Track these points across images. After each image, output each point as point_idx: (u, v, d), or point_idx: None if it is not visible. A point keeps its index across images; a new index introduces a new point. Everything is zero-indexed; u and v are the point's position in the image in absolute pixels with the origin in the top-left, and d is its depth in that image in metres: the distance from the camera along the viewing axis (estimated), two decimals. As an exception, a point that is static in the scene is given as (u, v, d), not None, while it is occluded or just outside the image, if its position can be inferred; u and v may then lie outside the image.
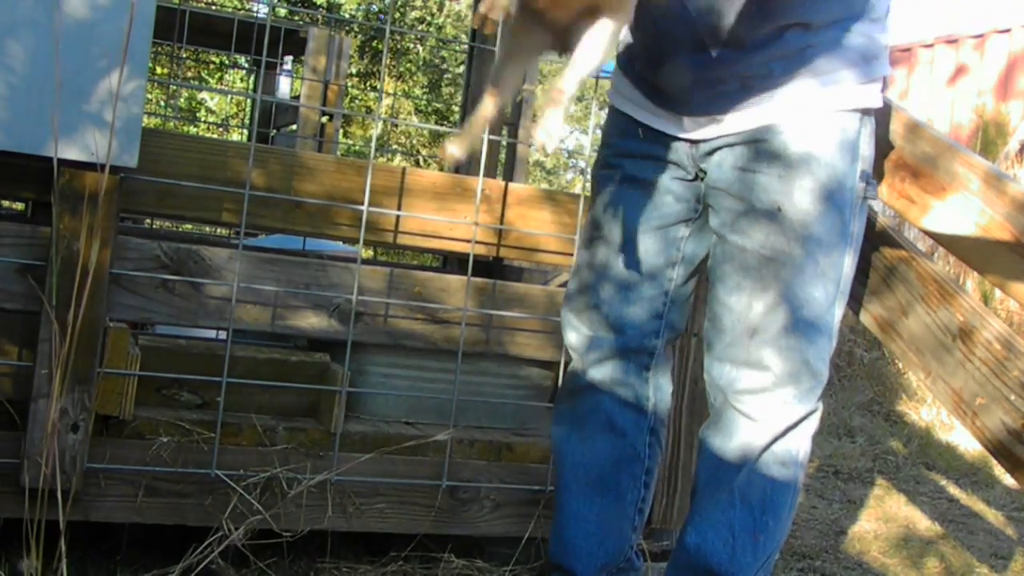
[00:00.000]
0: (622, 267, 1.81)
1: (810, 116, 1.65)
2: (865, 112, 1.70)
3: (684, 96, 1.72)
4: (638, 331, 1.83)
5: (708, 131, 1.71)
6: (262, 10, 7.15)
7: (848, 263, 1.72)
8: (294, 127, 5.27)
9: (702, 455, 1.79)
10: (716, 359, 1.74)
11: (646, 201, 1.79)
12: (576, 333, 1.84)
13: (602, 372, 1.84)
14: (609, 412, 1.84)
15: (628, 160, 1.80)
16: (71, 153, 1.75)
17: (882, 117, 1.79)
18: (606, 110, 1.92)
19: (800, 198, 1.66)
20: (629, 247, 1.81)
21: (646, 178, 1.78)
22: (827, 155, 1.66)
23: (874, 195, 1.75)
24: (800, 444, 1.73)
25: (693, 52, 1.67)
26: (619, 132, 1.83)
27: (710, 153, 1.72)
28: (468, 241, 2.17)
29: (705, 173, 1.74)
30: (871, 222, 1.87)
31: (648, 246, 1.81)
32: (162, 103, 7.29)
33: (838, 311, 1.73)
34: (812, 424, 1.74)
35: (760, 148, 1.66)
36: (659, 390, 1.89)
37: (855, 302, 1.92)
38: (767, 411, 1.69)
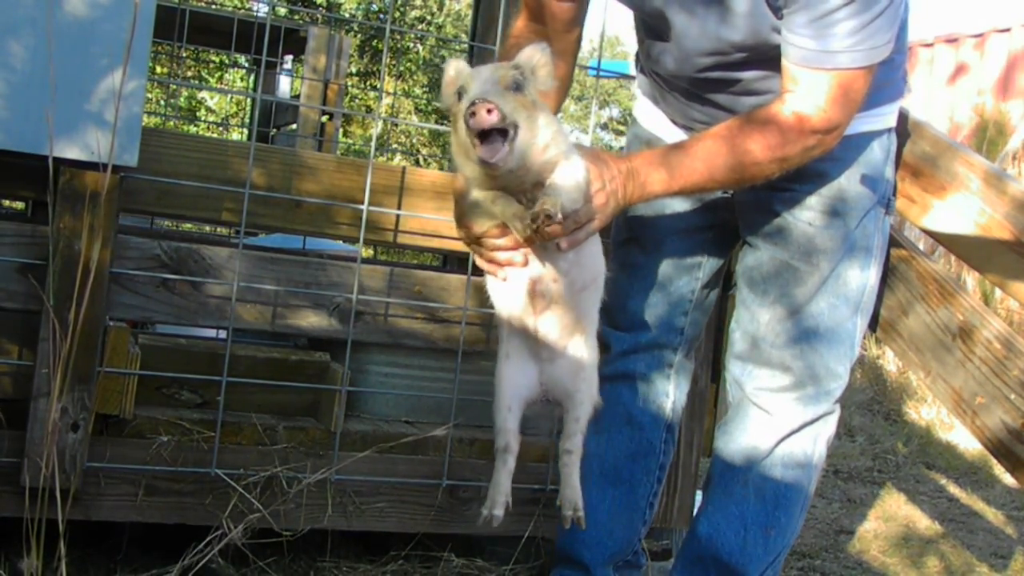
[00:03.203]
0: (651, 267, 1.87)
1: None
2: (888, 131, 1.74)
3: (698, 117, 1.78)
4: (663, 328, 1.88)
5: None
6: (262, 9, 7.15)
7: (869, 275, 1.75)
8: (294, 126, 5.27)
9: (717, 449, 1.83)
10: (737, 357, 1.80)
11: (676, 206, 1.84)
12: (602, 327, 1.87)
13: (625, 366, 1.88)
14: (628, 406, 1.88)
15: None
16: (72, 152, 1.75)
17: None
18: (606, 110, 1.94)
19: (813, 215, 1.70)
20: (659, 248, 1.87)
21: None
22: (843, 175, 1.70)
23: (893, 209, 1.81)
24: (815, 446, 1.76)
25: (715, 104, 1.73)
26: (647, 145, 1.88)
27: None
28: (468, 240, 2.17)
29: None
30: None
31: (676, 248, 1.86)
32: (162, 102, 7.29)
33: (860, 321, 1.76)
34: (828, 427, 1.77)
35: None
36: (679, 388, 1.94)
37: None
38: (782, 407, 1.73)
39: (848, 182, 1.69)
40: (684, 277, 1.88)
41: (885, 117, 1.73)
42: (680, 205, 1.85)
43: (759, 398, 1.75)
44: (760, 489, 1.74)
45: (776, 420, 1.74)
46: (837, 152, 1.66)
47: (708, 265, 1.89)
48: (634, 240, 1.90)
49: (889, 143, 1.75)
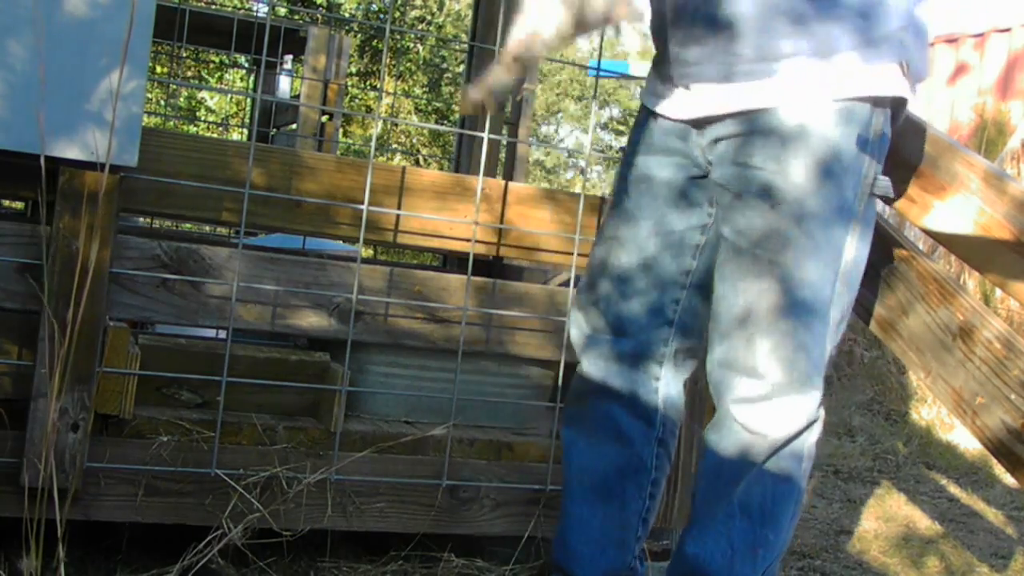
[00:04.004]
0: (632, 269, 1.78)
1: (808, 98, 1.59)
2: (876, 102, 1.62)
3: (680, 56, 1.68)
4: (646, 337, 1.79)
5: (707, 105, 1.65)
6: (262, 9, 7.15)
7: (848, 248, 1.64)
8: (294, 126, 5.27)
9: (703, 460, 1.75)
10: (717, 362, 1.70)
11: (660, 203, 1.76)
12: (578, 330, 1.82)
13: (612, 377, 1.81)
14: (617, 420, 1.81)
15: (644, 156, 1.77)
16: (71, 152, 1.75)
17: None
18: (606, 110, 1.92)
19: (793, 178, 1.59)
20: (640, 249, 1.78)
21: (661, 177, 1.75)
22: (825, 131, 1.59)
23: (885, 190, 1.69)
24: (802, 454, 1.68)
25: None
26: (639, 125, 1.81)
27: (715, 142, 1.67)
28: (468, 240, 2.17)
29: (712, 167, 1.69)
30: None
31: (660, 250, 1.76)
32: (162, 102, 7.30)
33: (840, 300, 1.65)
34: (813, 435, 1.69)
35: (755, 134, 1.62)
36: (668, 400, 1.84)
37: (855, 301, 1.92)
38: (766, 422, 1.65)
39: (818, 143, 1.58)
40: (669, 283, 1.78)
41: (864, 77, 1.60)
42: (663, 202, 1.76)
43: (740, 413, 1.66)
44: (746, 507, 1.67)
45: (759, 437, 1.65)
46: (809, 115, 1.58)
47: (696, 271, 1.79)
48: (614, 238, 1.80)
49: (871, 117, 1.62)
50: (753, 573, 1.69)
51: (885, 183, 1.68)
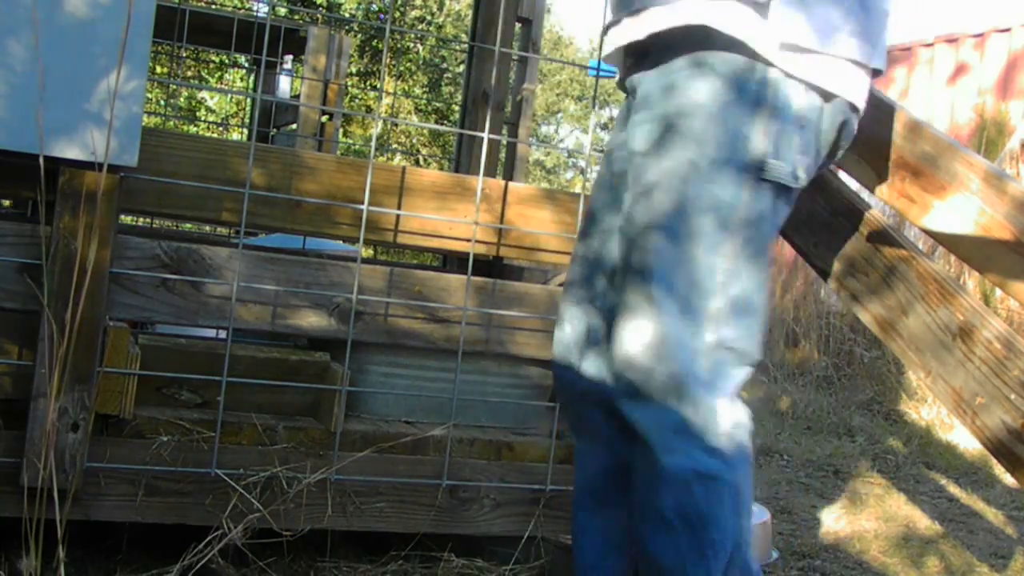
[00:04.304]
0: (582, 263, 1.77)
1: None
2: (767, 62, 1.51)
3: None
4: (594, 329, 1.75)
5: (628, 30, 1.67)
6: (262, 9, 7.16)
7: (734, 233, 1.54)
8: (294, 126, 5.27)
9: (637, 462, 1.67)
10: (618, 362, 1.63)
11: (610, 194, 1.74)
12: (558, 328, 1.81)
13: (585, 374, 1.78)
14: (594, 418, 1.78)
15: (610, 154, 1.78)
16: (71, 152, 1.75)
17: (883, 114, 1.78)
18: (606, 110, 1.92)
19: (651, 152, 1.56)
20: (588, 242, 1.77)
21: (615, 170, 1.74)
22: (701, 89, 1.53)
23: (779, 175, 1.55)
24: (717, 447, 1.56)
25: None
26: (617, 120, 1.82)
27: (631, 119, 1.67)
28: (468, 240, 2.17)
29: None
30: (841, 205, 1.85)
31: (601, 241, 1.74)
32: (162, 102, 7.30)
33: (719, 303, 1.54)
34: (721, 424, 1.56)
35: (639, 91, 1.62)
36: None
37: (854, 301, 1.92)
38: (646, 417, 1.57)
39: (687, 119, 1.54)
40: (605, 275, 1.73)
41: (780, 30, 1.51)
42: (612, 193, 1.73)
43: (624, 408, 1.60)
44: (682, 515, 1.58)
45: (651, 439, 1.56)
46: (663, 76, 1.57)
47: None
48: (580, 233, 1.82)
49: (752, 72, 1.51)
50: (709, 572, 1.60)
51: (779, 168, 1.55)
